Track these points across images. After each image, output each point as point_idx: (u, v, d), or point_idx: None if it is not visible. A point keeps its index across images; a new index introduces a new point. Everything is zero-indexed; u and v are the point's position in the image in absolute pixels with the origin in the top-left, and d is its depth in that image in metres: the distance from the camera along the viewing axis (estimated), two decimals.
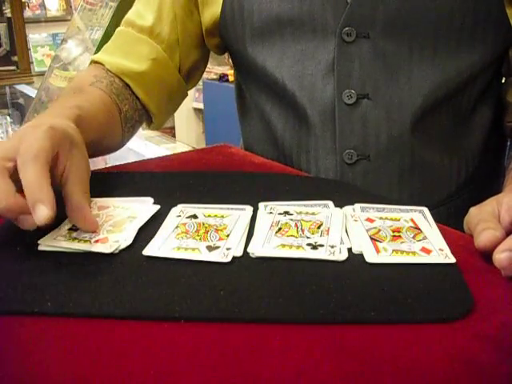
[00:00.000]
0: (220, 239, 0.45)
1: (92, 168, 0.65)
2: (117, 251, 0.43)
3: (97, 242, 0.45)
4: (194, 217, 0.49)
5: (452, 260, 0.41)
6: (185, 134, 3.59)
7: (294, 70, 0.67)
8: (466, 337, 0.34)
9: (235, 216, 0.49)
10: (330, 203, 0.52)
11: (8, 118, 2.29)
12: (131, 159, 0.71)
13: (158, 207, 0.51)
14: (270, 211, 0.50)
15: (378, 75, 0.64)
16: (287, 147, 0.72)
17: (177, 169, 0.67)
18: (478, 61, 0.63)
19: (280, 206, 0.51)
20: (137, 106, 0.73)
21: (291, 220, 0.48)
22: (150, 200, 0.53)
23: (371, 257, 0.42)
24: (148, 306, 0.37)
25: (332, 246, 0.43)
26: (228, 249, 0.43)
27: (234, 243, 0.44)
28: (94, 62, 0.73)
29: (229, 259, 0.42)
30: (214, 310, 0.36)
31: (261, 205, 0.52)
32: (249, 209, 0.51)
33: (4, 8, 3.19)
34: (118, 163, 0.72)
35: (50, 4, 3.39)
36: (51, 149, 0.45)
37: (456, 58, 0.63)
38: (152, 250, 0.44)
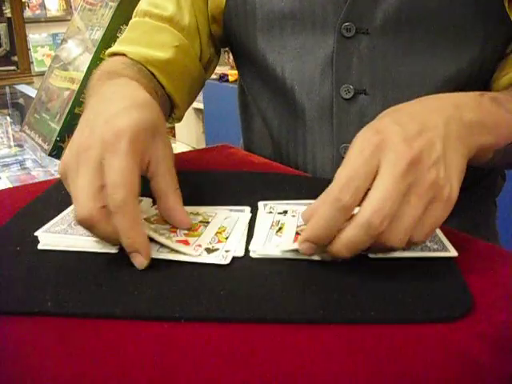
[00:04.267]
0: (219, 242, 0.45)
1: None
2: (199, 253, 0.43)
3: (179, 242, 0.44)
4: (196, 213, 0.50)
5: (453, 253, 0.41)
6: (185, 134, 3.59)
7: (294, 65, 0.67)
8: (465, 337, 0.34)
9: (234, 218, 0.49)
10: None
11: (8, 118, 2.28)
12: None
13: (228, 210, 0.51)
14: (269, 210, 0.50)
15: (376, 71, 0.64)
16: (284, 142, 0.72)
17: (177, 169, 0.67)
18: (479, 57, 0.63)
19: (279, 205, 0.51)
20: (163, 94, 0.70)
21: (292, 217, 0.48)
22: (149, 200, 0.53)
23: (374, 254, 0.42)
24: (148, 306, 0.37)
25: None
26: (227, 251, 0.43)
27: (233, 245, 0.44)
28: (112, 54, 0.70)
29: (227, 261, 0.42)
30: (214, 310, 0.36)
31: (260, 204, 0.52)
32: (247, 210, 0.51)
33: (4, 8, 3.19)
34: None
35: (50, 4, 3.39)
36: (138, 170, 0.41)
37: (456, 54, 0.62)
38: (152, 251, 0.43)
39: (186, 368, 0.31)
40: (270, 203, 0.52)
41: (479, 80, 0.66)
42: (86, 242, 0.44)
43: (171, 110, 0.72)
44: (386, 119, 0.42)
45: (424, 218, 0.38)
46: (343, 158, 0.68)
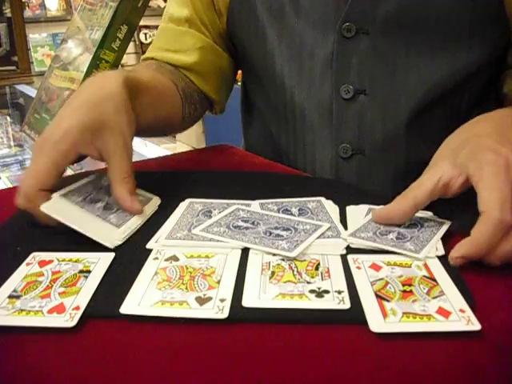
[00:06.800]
0: (210, 287, 0.38)
1: (92, 168, 0.65)
2: (75, 322, 0.35)
3: (51, 311, 0.36)
4: (175, 259, 0.43)
5: (477, 327, 0.34)
6: (185, 133, 3.58)
7: (293, 64, 0.67)
8: (466, 337, 0.34)
9: (222, 256, 0.43)
10: (323, 199, 0.53)
11: (8, 118, 2.28)
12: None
13: (113, 255, 0.43)
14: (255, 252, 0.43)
15: (376, 71, 0.64)
16: (283, 142, 0.72)
17: (177, 169, 0.67)
18: (476, 60, 0.63)
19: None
20: (195, 87, 0.75)
21: (283, 261, 0.42)
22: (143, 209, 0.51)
23: (377, 325, 0.34)
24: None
25: (339, 292, 0.38)
26: (222, 300, 0.37)
27: (229, 291, 0.38)
28: (143, 60, 0.76)
29: (225, 314, 0.35)
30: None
31: (256, 202, 0.52)
32: (236, 249, 0.44)
33: (4, 8, 3.19)
34: None
35: (50, 4, 3.39)
36: (57, 167, 0.48)
37: (454, 56, 0.63)
38: (130, 306, 0.36)
39: (185, 368, 0.31)
40: (266, 201, 0.52)
41: (477, 81, 0.66)
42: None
43: (211, 105, 0.78)
44: (490, 141, 0.46)
45: None
46: (342, 157, 0.69)
